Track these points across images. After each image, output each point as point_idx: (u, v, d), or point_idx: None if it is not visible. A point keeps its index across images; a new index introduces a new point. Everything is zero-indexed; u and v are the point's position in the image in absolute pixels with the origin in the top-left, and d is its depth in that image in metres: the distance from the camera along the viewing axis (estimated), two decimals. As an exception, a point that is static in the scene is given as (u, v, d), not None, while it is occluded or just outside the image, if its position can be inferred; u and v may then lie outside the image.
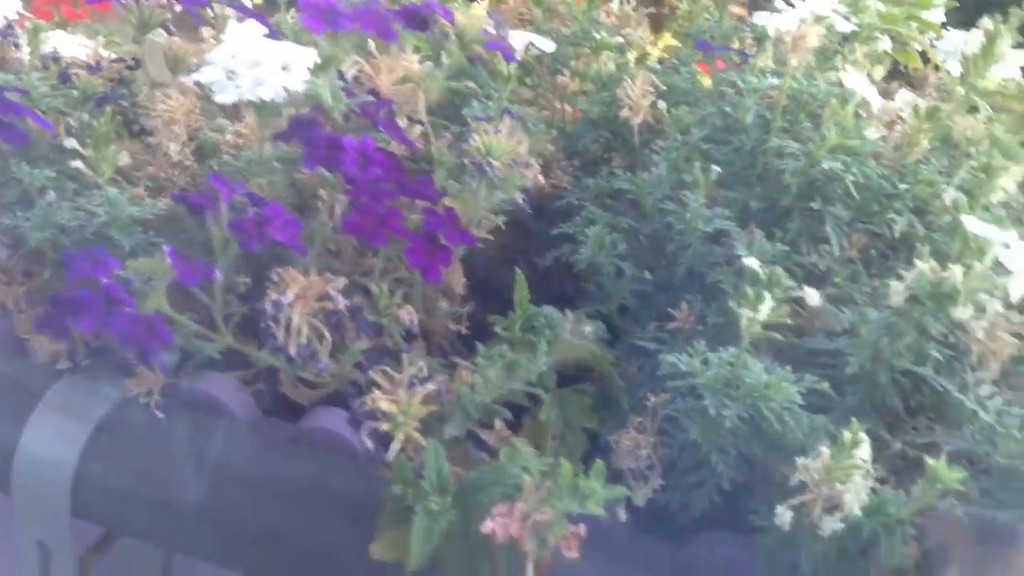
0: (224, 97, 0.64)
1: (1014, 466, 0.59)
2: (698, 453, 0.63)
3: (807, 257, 0.70)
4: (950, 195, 0.65)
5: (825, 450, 0.57)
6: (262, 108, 0.65)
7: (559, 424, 0.68)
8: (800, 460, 0.58)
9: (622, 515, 0.66)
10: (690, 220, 0.70)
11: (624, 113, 0.77)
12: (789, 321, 0.57)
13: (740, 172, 0.73)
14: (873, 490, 0.59)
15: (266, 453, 0.71)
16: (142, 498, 0.72)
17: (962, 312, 0.57)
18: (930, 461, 0.56)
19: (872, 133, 0.71)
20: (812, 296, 0.57)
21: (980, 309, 0.58)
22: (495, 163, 0.63)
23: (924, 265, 0.59)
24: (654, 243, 0.74)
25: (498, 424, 0.65)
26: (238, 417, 0.73)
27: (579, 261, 0.73)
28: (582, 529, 0.56)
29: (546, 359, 0.62)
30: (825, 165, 0.68)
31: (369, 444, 0.57)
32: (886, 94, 0.82)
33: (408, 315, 0.63)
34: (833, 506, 0.57)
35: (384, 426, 0.57)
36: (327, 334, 0.60)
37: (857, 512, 0.57)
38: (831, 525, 0.57)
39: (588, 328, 0.64)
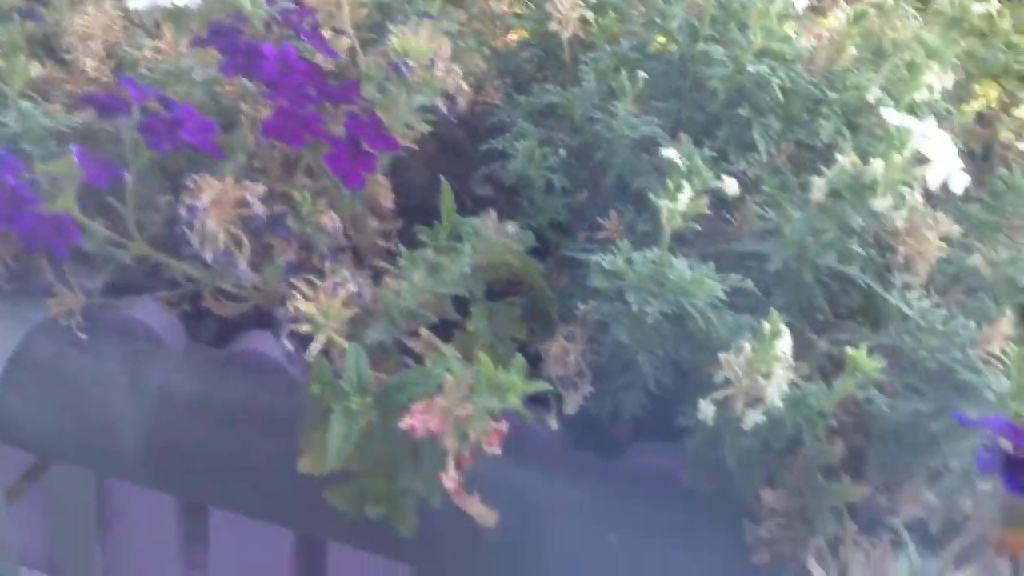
0: (137, 3, 0.62)
1: (937, 360, 0.59)
2: (626, 356, 0.63)
3: (736, 165, 0.70)
4: (874, 94, 0.65)
5: (747, 344, 0.57)
6: (177, 15, 0.64)
7: (488, 335, 0.68)
8: (723, 355, 0.58)
9: (552, 423, 0.66)
10: (617, 128, 0.69)
11: (553, 27, 0.76)
12: (708, 211, 0.57)
13: (669, 82, 0.73)
14: (796, 386, 0.59)
15: (197, 376, 0.70)
16: (68, 423, 0.71)
17: (881, 203, 0.57)
18: (850, 351, 0.56)
19: (799, 39, 0.70)
20: (731, 186, 0.57)
21: (900, 199, 0.58)
22: (412, 64, 0.62)
23: (844, 159, 0.59)
24: (584, 156, 0.74)
25: (424, 332, 0.64)
26: (164, 341, 0.72)
27: (509, 176, 0.73)
28: (504, 425, 0.56)
29: (471, 260, 0.61)
30: (751, 69, 0.68)
31: (289, 347, 0.56)
32: (819, 10, 0.82)
33: (331, 220, 0.62)
34: (756, 399, 0.57)
35: (304, 328, 0.56)
36: (245, 240, 0.59)
37: (779, 404, 0.57)
38: (753, 418, 0.57)
39: (511, 228, 0.63)
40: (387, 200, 0.71)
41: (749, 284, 0.61)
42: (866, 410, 0.60)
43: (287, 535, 0.73)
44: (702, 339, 0.61)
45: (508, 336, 0.68)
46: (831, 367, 0.64)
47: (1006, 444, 0.46)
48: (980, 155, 0.82)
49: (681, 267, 0.59)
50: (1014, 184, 0.71)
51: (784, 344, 0.56)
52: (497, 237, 0.62)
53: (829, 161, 0.73)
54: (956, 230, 0.64)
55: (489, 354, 0.67)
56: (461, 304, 0.69)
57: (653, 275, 0.59)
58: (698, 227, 0.58)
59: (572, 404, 0.66)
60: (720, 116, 0.71)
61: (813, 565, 0.56)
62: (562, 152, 0.73)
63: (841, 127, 0.70)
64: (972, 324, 0.59)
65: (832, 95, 0.71)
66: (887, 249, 0.67)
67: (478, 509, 0.61)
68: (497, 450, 0.55)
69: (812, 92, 0.70)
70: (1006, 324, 0.57)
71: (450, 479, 0.54)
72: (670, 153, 0.57)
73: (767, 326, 0.56)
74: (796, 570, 0.61)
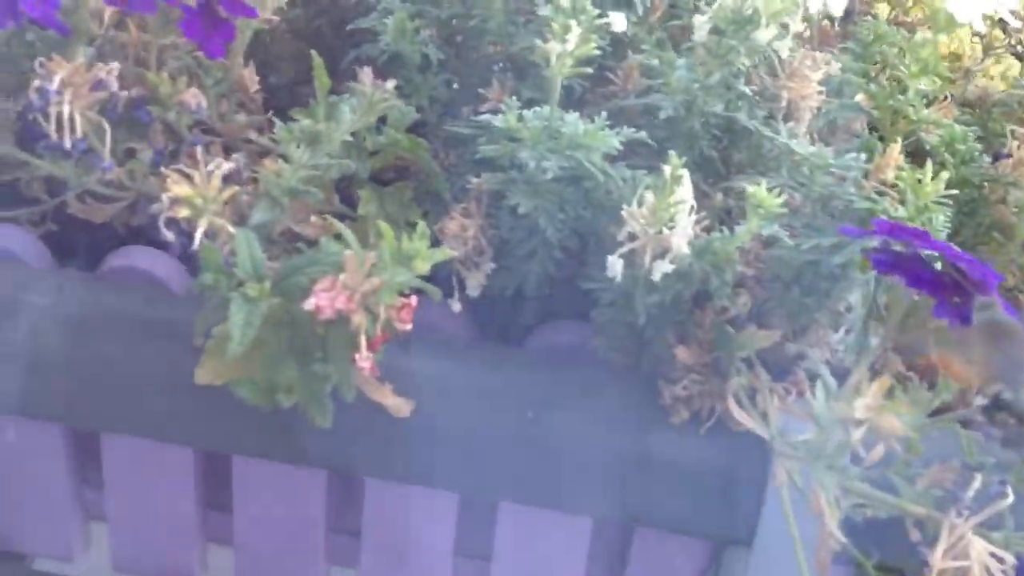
0: None
1: (829, 192, 0.59)
2: (527, 222, 0.61)
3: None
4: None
5: (649, 194, 0.56)
6: None
7: (380, 219, 0.65)
8: (625, 208, 0.56)
9: (456, 306, 0.64)
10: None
11: None
12: (598, 51, 0.55)
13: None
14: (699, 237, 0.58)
15: (69, 297, 0.65)
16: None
17: (765, 34, 0.56)
18: (751, 188, 0.56)
19: None
20: (619, 21, 0.55)
21: (782, 29, 0.57)
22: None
23: (727, -7, 0.58)
24: (458, 27, 0.71)
25: (314, 218, 0.61)
26: (28, 263, 0.67)
27: (381, 52, 0.69)
28: (413, 300, 0.53)
29: (351, 122, 0.58)
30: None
31: (170, 236, 0.52)
32: None
33: (194, 98, 0.57)
34: (663, 250, 0.57)
35: (183, 212, 0.52)
36: (106, 126, 0.54)
37: (686, 251, 0.56)
38: (662, 269, 0.56)
39: (390, 83, 0.60)
40: (252, 83, 0.66)
41: (643, 135, 0.59)
42: (769, 257, 0.60)
43: (188, 456, 0.69)
44: (601, 197, 0.60)
45: (401, 220, 0.66)
46: (728, 220, 0.64)
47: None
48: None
49: (574, 120, 0.57)
50: (879, 32, 0.72)
51: (686, 190, 0.56)
52: (376, 93, 0.59)
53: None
54: (836, 68, 0.65)
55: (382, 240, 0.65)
56: (347, 197, 0.66)
57: (547, 131, 0.57)
58: (589, 71, 0.56)
59: (475, 285, 0.64)
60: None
61: (734, 407, 0.56)
62: (434, 26, 0.70)
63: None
64: (863, 157, 0.59)
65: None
66: (770, 100, 0.67)
67: (391, 400, 0.59)
68: (409, 325, 0.53)
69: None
70: (896, 153, 0.58)
71: (364, 359, 0.51)
72: (553, -6, 0.54)
73: (667, 170, 0.55)
74: (714, 425, 0.62)
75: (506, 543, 0.70)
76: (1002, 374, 0.47)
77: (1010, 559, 0.49)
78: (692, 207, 0.55)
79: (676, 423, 0.62)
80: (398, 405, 0.59)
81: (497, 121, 0.57)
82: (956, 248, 0.45)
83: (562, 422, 0.64)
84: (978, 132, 0.68)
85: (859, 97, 0.65)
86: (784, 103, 0.66)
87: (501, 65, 0.69)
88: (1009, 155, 0.65)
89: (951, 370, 0.48)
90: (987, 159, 0.67)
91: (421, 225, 0.52)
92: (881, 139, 0.64)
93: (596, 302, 0.63)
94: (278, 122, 0.59)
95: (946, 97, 0.70)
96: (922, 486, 0.52)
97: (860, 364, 0.49)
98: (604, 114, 0.57)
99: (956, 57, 0.74)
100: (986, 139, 0.69)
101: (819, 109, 0.67)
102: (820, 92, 0.66)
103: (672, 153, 0.54)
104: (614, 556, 0.72)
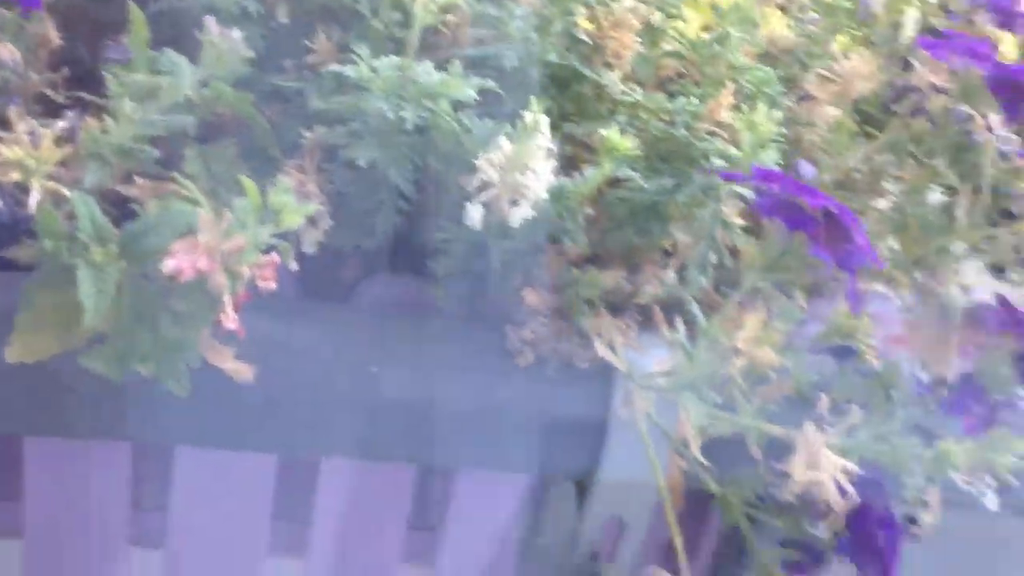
0: None
1: (670, 134, 0.62)
2: (373, 175, 0.59)
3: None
4: None
5: (505, 141, 0.56)
6: None
7: (207, 179, 0.61)
8: (482, 156, 0.56)
9: (292, 264, 0.62)
10: (314, -60, 0.64)
11: None
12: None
13: None
14: (549, 182, 0.59)
15: None
16: None
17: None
18: (604, 132, 0.57)
19: None
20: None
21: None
22: None
23: (566, -56, 0.59)
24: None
25: (139, 179, 0.56)
26: None
27: (192, 12, 0.64)
28: (276, 257, 0.51)
29: (192, 74, 0.54)
30: None
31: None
32: None
33: (8, 52, 0.51)
34: (520, 196, 0.57)
35: (15, 176, 0.47)
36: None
37: (544, 196, 0.57)
38: (520, 214, 0.57)
39: (237, 33, 0.56)
40: (54, 39, 0.60)
41: (492, 84, 0.59)
42: (613, 199, 0.62)
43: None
44: (452, 146, 0.59)
45: (229, 178, 0.62)
46: (569, 166, 0.65)
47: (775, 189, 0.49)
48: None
49: (428, 69, 0.56)
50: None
51: (544, 136, 0.56)
52: (223, 42, 0.55)
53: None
54: (658, 17, 0.67)
55: (211, 200, 0.61)
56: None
57: (401, 80, 0.55)
58: (452, 17, 0.55)
59: (311, 242, 0.62)
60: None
61: (599, 345, 0.57)
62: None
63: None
64: (695, 100, 0.62)
65: None
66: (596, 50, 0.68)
67: (231, 364, 0.56)
68: (273, 284, 0.51)
69: None
70: (728, 95, 0.61)
71: (231, 320, 0.48)
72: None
73: (528, 117, 0.55)
74: (557, 365, 0.63)
75: (330, 501, 0.69)
76: None
77: (853, 468, 0.53)
78: (550, 151, 0.56)
79: (523, 365, 0.63)
80: (238, 369, 0.56)
81: (349, 71, 0.55)
82: (823, 194, 0.49)
83: (409, 376, 0.63)
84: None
85: (679, 47, 0.68)
86: (609, 53, 0.67)
87: (326, 16, 0.66)
88: (808, 97, 0.70)
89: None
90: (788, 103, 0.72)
91: (281, 181, 0.50)
92: (696, 84, 0.67)
93: (437, 253, 0.62)
94: (111, 76, 0.53)
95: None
96: (758, 402, 0.56)
97: (733, 298, 0.52)
98: (458, 63, 0.56)
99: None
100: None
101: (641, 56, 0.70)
102: (639, 41, 0.69)
103: (533, 99, 0.54)
104: (436, 494, 0.73)
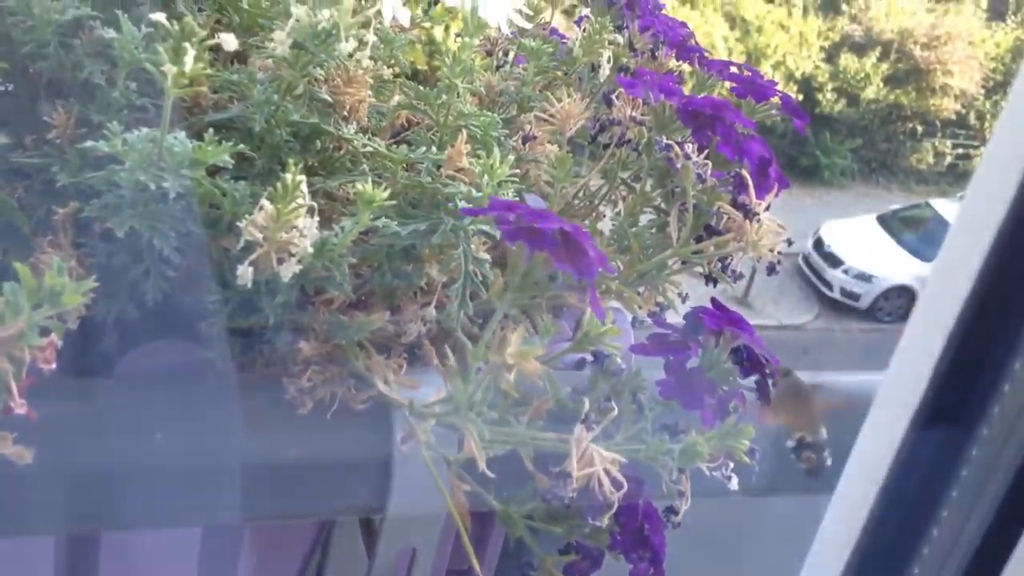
0: None
1: (417, 182, 0.67)
2: (130, 246, 0.60)
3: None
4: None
5: (267, 202, 0.59)
6: None
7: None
8: (246, 219, 0.59)
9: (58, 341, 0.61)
10: (39, 13, 0.63)
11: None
12: (211, 71, 0.56)
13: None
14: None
15: None
16: None
17: (347, 47, 0.62)
18: (360, 186, 0.61)
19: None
20: (229, 41, 0.57)
21: (361, 43, 0.63)
22: None
23: (299, 9, 0.62)
24: (8, 50, 0.66)
25: None
26: None
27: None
28: (56, 337, 0.51)
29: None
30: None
31: None
32: None
33: None
34: (287, 253, 0.60)
35: None
36: None
37: (310, 251, 0.60)
38: (290, 269, 0.60)
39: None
40: None
41: (245, 148, 0.62)
42: (373, 247, 0.66)
43: None
44: (211, 213, 0.61)
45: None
46: (323, 217, 0.69)
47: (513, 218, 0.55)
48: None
49: (182, 139, 0.58)
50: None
51: (304, 194, 0.59)
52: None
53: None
54: (387, 73, 0.72)
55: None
56: None
57: (157, 152, 0.57)
58: (204, 89, 0.57)
59: (74, 317, 0.62)
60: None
61: (381, 385, 0.61)
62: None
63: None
64: (434, 149, 0.68)
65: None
66: (334, 108, 0.72)
67: (12, 449, 0.55)
68: (53, 365, 0.51)
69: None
70: (462, 142, 0.67)
71: (21, 405, 0.48)
72: (158, 17, 0.54)
73: (288, 177, 0.58)
74: (339, 409, 0.66)
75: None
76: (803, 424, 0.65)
77: (622, 459, 0.60)
78: (312, 208, 0.59)
79: (304, 414, 0.66)
80: (18, 453, 0.55)
81: (103, 146, 0.55)
82: (556, 216, 0.55)
83: (194, 437, 0.64)
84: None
85: (397, 99, 0.73)
86: (346, 109, 0.71)
87: (61, 89, 0.65)
88: (530, 137, 0.78)
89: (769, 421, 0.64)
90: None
91: (56, 260, 0.50)
92: (428, 130, 0.73)
93: (208, 315, 0.64)
94: None
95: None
96: (529, 417, 0.62)
97: (493, 323, 0.57)
98: (211, 131, 0.58)
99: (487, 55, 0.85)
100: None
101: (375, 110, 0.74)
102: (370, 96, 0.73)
103: (290, 161, 0.57)
104: (225, 549, 0.74)
